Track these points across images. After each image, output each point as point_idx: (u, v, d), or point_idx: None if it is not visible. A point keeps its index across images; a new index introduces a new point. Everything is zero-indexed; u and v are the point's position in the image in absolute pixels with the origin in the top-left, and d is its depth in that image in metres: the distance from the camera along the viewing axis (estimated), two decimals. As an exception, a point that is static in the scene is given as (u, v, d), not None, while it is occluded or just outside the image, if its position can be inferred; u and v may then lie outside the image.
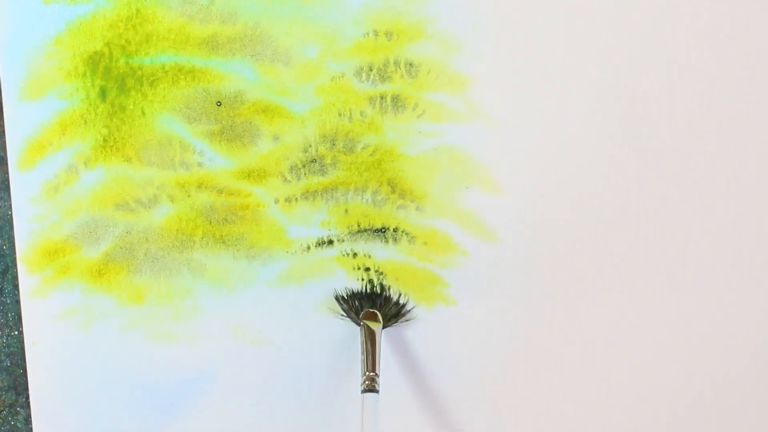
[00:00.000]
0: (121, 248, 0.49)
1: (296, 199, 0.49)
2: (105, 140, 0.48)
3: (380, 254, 0.49)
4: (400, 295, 0.49)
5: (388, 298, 0.48)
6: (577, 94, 0.48)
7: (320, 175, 0.49)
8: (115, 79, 0.47)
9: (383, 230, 0.49)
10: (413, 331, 0.50)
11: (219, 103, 0.47)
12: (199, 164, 0.48)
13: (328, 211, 0.49)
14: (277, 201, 0.49)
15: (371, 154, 0.48)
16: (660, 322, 0.50)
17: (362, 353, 0.46)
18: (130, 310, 0.49)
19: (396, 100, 0.48)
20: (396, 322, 0.48)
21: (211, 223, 0.49)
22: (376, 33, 0.47)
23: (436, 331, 0.50)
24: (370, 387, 0.45)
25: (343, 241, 0.49)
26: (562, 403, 0.51)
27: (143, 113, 0.48)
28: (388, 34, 0.47)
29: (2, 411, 0.51)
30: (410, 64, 0.47)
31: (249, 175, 0.48)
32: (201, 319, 0.50)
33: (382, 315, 0.47)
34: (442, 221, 0.49)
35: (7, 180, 0.48)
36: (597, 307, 0.50)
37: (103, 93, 0.47)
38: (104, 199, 0.48)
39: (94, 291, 0.49)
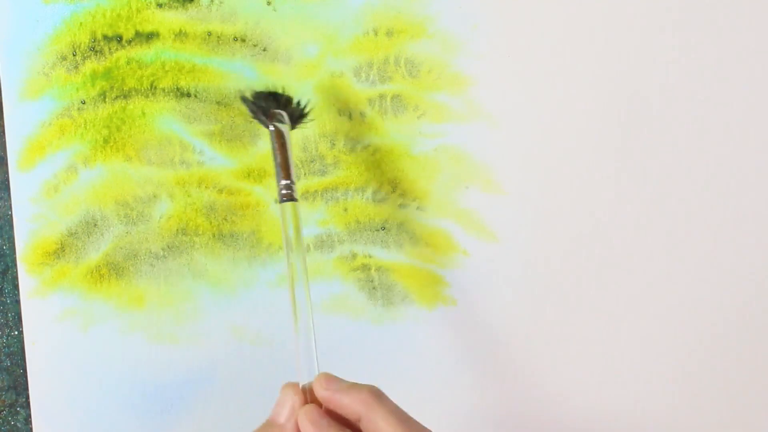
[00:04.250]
0: (121, 248, 0.49)
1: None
2: (105, 140, 0.48)
3: (380, 255, 0.49)
4: (301, 96, 0.47)
5: (289, 99, 0.46)
6: (577, 94, 0.48)
7: (320, 175, 0.49)
8: (115, 79, 0.47)
9: (383, 229, 0.49)
10: (413, 331, 0.50)
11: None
12: (199, 163, 0.48)
13: (327, 210, 0.49)
14: (277, 201, 0.49)
15: (372, 154, 0.48)
16: (660, 322, 0.50)
17: (274, 160, 0.43)
18: (130, 313, 0.49)
19: (396, 100, 0.48)
20: (302, 123, 0.46)
21: (211, 223, 0.49)
22: (376, 31, 0.47)
23: (436, 331, 0.50)
24: (289, 196, 0.42)
25: (343, 242, 0.49)
26: (562, 403, 0.51)
27: (143, 113, 0.48)
28: (389, 33, 0.47)
29: (2, 411, 0.51)
30: (411, 63, 0.47)
31: (249, 175, 0.48)
32: (201, 320, 0.50)
33: (288, 114, 0.45)
34: (442, 221, 0.49)
35: (7, 180, 0.48)
36: (597, 306, 0.50)
37: (103, 93, 0.47)
38: (104, 198, 0.48)
39: (92, 297, 0.49)
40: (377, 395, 0.37)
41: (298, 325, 0.41)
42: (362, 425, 0.36)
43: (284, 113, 0.45)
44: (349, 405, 0.37)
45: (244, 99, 0.46)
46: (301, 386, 0.39)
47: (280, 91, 0.46)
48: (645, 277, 0.50)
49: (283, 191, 0.42)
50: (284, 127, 0.44)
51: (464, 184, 0.49)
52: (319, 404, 0.38)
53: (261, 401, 0.51)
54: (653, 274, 0.50)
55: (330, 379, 0.38)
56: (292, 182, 0.42)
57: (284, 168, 0.42)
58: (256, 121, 0.45)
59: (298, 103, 0.46)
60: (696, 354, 0.51)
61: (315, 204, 0.49)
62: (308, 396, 0.39)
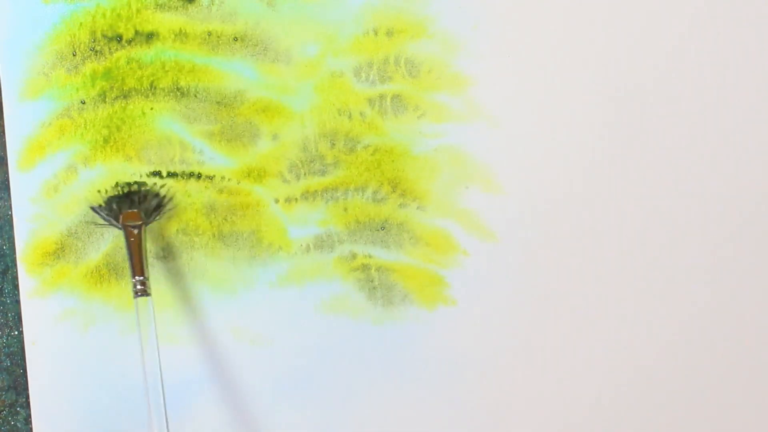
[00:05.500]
0: (121, 248, 0.49)
1: (296, 199, 0.49)
2: (105, 140, 0.48)
3: (380, 254, 0.49)
4: (159, 187, 0.48)
5: (145, 194, 0.48)
6: (577, 94, 0.48)
7: (320, 175, 0.48)
8: (115, 79, 0.47)
9: (383, 228, 0.49)
10: (413, 331, 0.50)
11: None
12: (199, 163, 0.48)
13: (326, 210, 0.49)
14: (277, 201, 0.49)
15: (372, 154, 0.48)
16: (660, 322, 0.50)
17: (128, 258, 0.46)
18: (130, 314, 0.49)
19: (396, 100, 0.48)
20: (159, 215, 0.48)
21: (211, 223, 0.49)
22: (376, 31, 0.47)
23: (436, 331, 0.50)
24: (142, 291, 0.45)
25: (343, 242, 0.49)
26: (562, 403, 0.51)
27: (143, 113, 0.48)
28: (389, 32, 0.47)
29: (2, 411, 0.51)
30: (411, 63, 0.47)
31: (249, 175, 0.48)
32: (201, 321, 0.50)
33: (143, 211, 0.47)
34: (442, 221, 0.49)
35: (7, 180, 0.48)
36: (597, 306, 0.50)
37: (103, 93, 0.47)
38: (104, 198, 0.48)
39: (92, 297, 0.49)
40: None
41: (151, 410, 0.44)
42: None
43: (139, 210, 0.47)
44: None
45: (94, 209, 0.47)
46: None
47: (134, 188, 0.48)
48: (645, 277, 0.50)
49: (138, 287, 0.45)
50: (137, 225, 0.46)
51: (464, 184, 0.49)
52: None
53: (261, 401, 0.51)
54: (654, 273, 0.50)
55: None
56: (146, 278, 0.45)
57: (138, 266, 0.46)
58: (110, 225, 0.47)
59: (156, 194, 0.48)
60: (696, 354, 0.50)
61: (315, 204, 0.49)
62: None
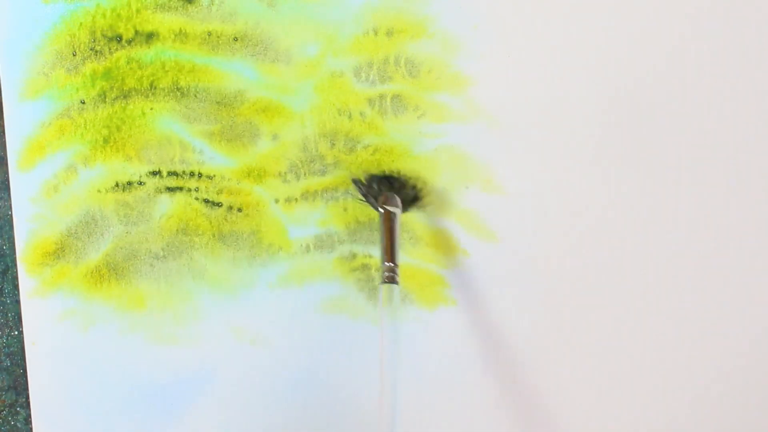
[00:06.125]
0: (121, 248, 0.49)
1: (296, 199, 0.49)
2: (105, 140, 0.48)
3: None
4: (417, 180, 0.48)
5: (404, 182, 0.47)
6: (577, 94, 0.48)
7: (320, 175, 0.48)
8: (115, 79, 0.47)
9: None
10: (413, 331, 0.50)
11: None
12: (199, 163, 0.48)
13: (326, 210, 0.49)
14: (277, 201, 0.49)
15: (372, 154, 0.48)
16: (660, 322, 0.50)
17: (382, 242, 0.45)
18: (130, 315, 0.49)
19: (396, 100, 0.48)
20: (414, 207, 0.47)
21: (211, 223, 0.49)
22: (376, 31, 0.47)
23: (436, 331, 0.50)
24: (390, 278, 0.44)
25: (343, 242, 0.49)
26: (562, 403, 0.51)
27: (143, 113, 0.48)
28: (389, 32, 0.47)
29: (2, 411, 0.51)
30: (411, 63, 0.47)
31: (249, 175, 0.48)
32: (201, 321, 0.50)
33: (401, 199, 0.46)
34: (442, 221, 0.49)
35: (7, 180, 0.48)
36: (597, 307, 0.50)
37: (103, 93, 0.47)
38: (104, 198, 0.48)
39: (92, 297, 0.49)
40: None
41: (384, 399, 0.42)
42: None
43: (397, 196, 0.46)
44: None
45: (355, 182, 0.47)
46: None
47: (395, 174, 0.48)
48: (646, 277, 0.50)
49: (386, 273, 0.44)
50: (396, 210, 0.46)
51: (464, 184, 0.49)
52: None
53: (261, 401, 0.51)
54: (654, 273, 0.50)
55: None
56: (396, 265, 0.45)
57: (390, 252, 0.45)
58: (366, 203, 0.47)
59: (414, 186, 0.48)
60: (697, 354, 0.50)
61: (315, 204, 0.49)
62: None
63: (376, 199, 0.47)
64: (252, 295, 0.50)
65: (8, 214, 0.49)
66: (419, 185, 0.48)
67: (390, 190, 0.47)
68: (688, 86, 0.48)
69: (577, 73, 0.48)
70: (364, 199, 0.47)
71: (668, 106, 0.48)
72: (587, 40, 0.47)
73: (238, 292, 0.50)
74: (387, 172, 0.48)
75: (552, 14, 0.47)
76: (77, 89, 0.47)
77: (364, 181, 0.47)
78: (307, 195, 0.49)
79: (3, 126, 0.48)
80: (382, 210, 0.46)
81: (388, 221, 0.45)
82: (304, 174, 0.48)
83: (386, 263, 0.45)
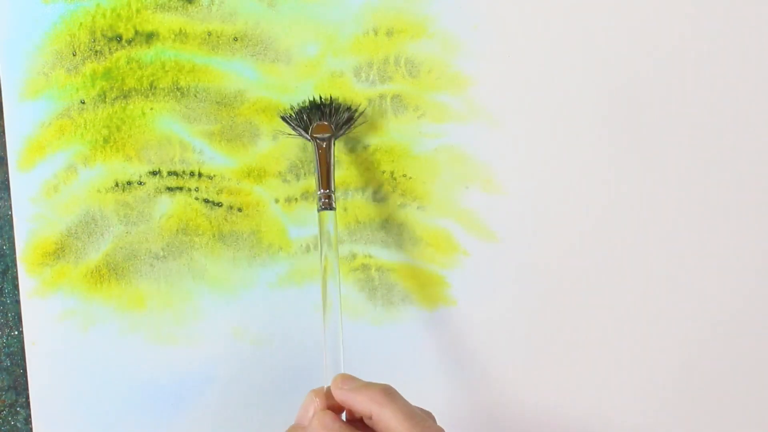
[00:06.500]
0: (121, 248, 0.49)
1: (296, 199, 0.49)
2: (105, 140, 0.48)
3: (380, 255, 0.49)
4: (349, 103, 0.47)
5: (336, 107, 0.47)
6: (577, 94, 0.48)
7: (320, 174, 0.48)
8: (115, 79, 0.47)
9: (383, 229, 0.49)
10: (414, 331, 0.50)
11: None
12: (199, 163, 0.48)
13: (327, 210, 0.49)
14: (277, 201, 0.49)
15: (372, 154, 0.48)
16: (660, 322, 0.50)
17: (316, 171, 0.45)
18: (130, 315, 0.49)
19: (396, 100, 0.48)
20: (348, 128, 0.47)
21: (211, 223, 0.49)
22: (376, 31, 0.47)
23: (436, 331, 0.50)
24: (327, 204, 0.45)
25: (343, 242, 0.49)
26: (562, 403, 0.51)
27: (143, 113, 0.48)
28: (389, 33, 0.47)
29: (2, 411, 0.51)
30: (411, 63, 0.47)
31: (249, 175, 0.48)
32: (201, 321, 0.50)
33: (333, 124, 0.46)
34: (442, 221, 0.49)
35: (7, 180, 0.48)
36: (596, 306, 0.50)
37: (103, 93, 0.47)
38: (104, 198, 0.48)
39: (92, 298, 0.49)
40: (388, 393, 0.38)
41: (326, 326, 0.43)
42: (374, 423, 0.37)
43: (329, 123, 0.46)
44: (362, 403, 0.38)
45: (284, 118, 0.47)
46: (324, 389, 0.40)
47: (325, 101, 0.47)
48: (645, 277, 0.50)
49: (323, 200, 0.45)
50: (326, 136, 0.46)
51: (464, 184, 0.49)
52: (341, 407, 0.40)
53: (261, 401, 0.51)
54: (653, 273, 0.50)
55: (345, 379, 0.40)
56: (332, 191, 0.45)
57: (325, 179, 0.45)
58: (298, 136, 0.47)
59: (348, 108, 0.47)
60: (697, 354, 0.50)
61: (315, 204, 0.49)
62: (330, 398, 0.40)
63: (306, 130, 0.46)
64: (252, 295, 0.50)
65: (8, 214, 0.49)
66: (352, 107, 0.47)
67: (321, 119, 0.46)
68: (688, 86, 0.48)
69: (576, 73, 0.48)
70: (294, 133, 0.47)
71: (668, 105, 0.48)
72: (587, 40, 0.47)
73: (238, 292, 0.49)
74: (315, 100, 0.47)
75: (552, 14, 0.47)
76: (77, 89, 0.47)
77: (293, 115, 0.47)
78: (307, 195, 0.49)
79: (3, 126, 0.48)
80: (311, 140, 0.46)
81: (320, 149, 0.45)
82: (304, 174, 0.48)
83: (322, 190, 0.45)
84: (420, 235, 0.49)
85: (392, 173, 0.49)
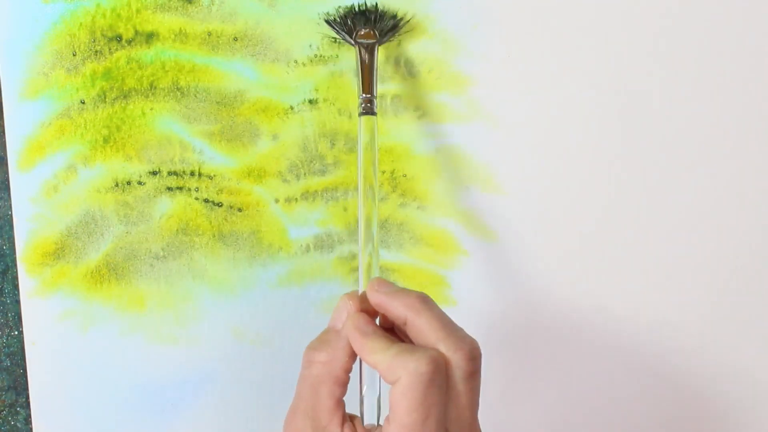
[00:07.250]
0: (121, 248, 0.49)
1: (296, 199, 0.49)
2: (105, 140, 0.48)
3: (381, 255, 0.49)
4: (396, 12, 0.47)
5: (382, 14, 0.46)
6: (577, 94, 0.48)
7: (320, 175, 0.48)
8: (114, 79, 0.47)
9: (383, 229, 0.49)
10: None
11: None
12: (199, 163, 0.48)
13: (326, 210, 0.49)
14: (277, 201, 0.49)
15: (371, 154, 0.48)
16: (660, 322, 0.50)
17: (358, 75, 0.45)
18: (130, 315, 0.49)
19: (396, 100, 0.48)
20: (394, 35, 0.47)
21: (211, 223, 0.49)
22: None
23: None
24: (368, 109, 0.44)
25: (343, 242, 0.49)
26: (562, 403, 0.51)
27: (143, 113, 0.48)
28: (388, 33, 0.47)
29: (2, 411, 0.51)
30: (411, 63, 0.47)
31: (249, 175, 0.48)
32: (201, 321, 0.50)
33: (378, 31, 0.46)
34: (442, 221, 0.49)
35: (7, 180, 0.48)
36: (596, 306, 0.50)
37: (102, 93, 0.47)
38: (104, 198, 0.48)
39: (92, 298, 0.49)
40: (424, 301, 0.37)
41: (363, 234, 0.41)
42: (408, 329, 0.37)
43: (374, 30, 0.46)
44: (397, 308, 0.37)
45: (328, 21, 0.46)
46: (359, 293, 0.39)
47: (372, 7, 0.47)
48: (645, 277, 0.50)
49: (364, 104, 0.44)
50: (371, 42, 0.45)
51: (464, 184, 0.49)
52: (375, 312, 0.39)
53: (261, 401, 0.51)
54: (653, 273, 0.50)
55: (382, 282, 0.38)
56: (374, 96, 0.44)
57: (367, 84, 0.45)
58: (342, 40, 0.47)
59: (394, 16, 0.47)
60: (696, 354, 0.50)
61: (315, 204, 0.49)
62: (364, 302, 0.39)
63: (350, 35, 0.46)
64: (252, 295, 0.50)
65: (8, 214, 0.49)
66: (398, 15, 0.47)
67: (366, 24, 0.46)
68: (688, 87, 0.48)
69: (576, 73, 0.48)
70: (338, 36, 0.47)
71: (668, 105, 0.48)
72: (587, 40, 0.47)
73: (238, 292, 0.50)
74: (362, 7, 0.47)
75: (552, 14, 0.47)
76: (77, 89, 0.47)
77: (337, 19, 0.46)
78: (307, 195, 0.49)
79: (3, 126, 0.48)
80: (355, 45, 0.45)
81: (365, 53, 0.45)
82: (304, 174, 0.48)
83: (364, 95, 0.44)
84: (420, 235, 0.49)
85: (392, 173, 0.49)
